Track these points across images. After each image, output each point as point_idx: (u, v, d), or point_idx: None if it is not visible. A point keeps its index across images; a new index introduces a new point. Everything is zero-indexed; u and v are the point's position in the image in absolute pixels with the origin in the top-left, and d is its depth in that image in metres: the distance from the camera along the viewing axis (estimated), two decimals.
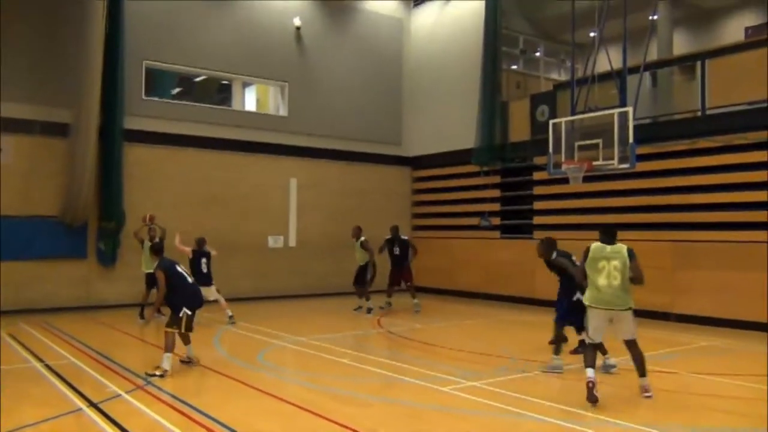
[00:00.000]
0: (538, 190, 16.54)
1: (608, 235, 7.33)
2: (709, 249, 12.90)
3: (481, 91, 17.33)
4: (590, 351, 7.23)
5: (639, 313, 12.20)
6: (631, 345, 7.25)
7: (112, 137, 15.07)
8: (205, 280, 12.19)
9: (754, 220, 12.32)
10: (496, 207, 17.57)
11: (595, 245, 7.31)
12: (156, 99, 16.87)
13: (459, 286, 18.05)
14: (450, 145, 18.69)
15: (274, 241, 17.67)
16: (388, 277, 14.84)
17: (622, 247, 7.21)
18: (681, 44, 19.28)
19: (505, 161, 17.26)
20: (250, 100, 19.60)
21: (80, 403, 6.88)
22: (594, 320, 7.29)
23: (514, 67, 19.35)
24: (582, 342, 9.54)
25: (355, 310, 14.55)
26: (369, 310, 14.13)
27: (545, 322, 10.42)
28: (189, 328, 8.56)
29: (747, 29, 17.82)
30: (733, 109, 13.02)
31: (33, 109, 14.48)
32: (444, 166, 19.24)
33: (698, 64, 13.78)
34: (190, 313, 8.45)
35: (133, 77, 15.79)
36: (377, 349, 10.31)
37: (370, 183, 19.53)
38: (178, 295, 8.48)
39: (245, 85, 18.94)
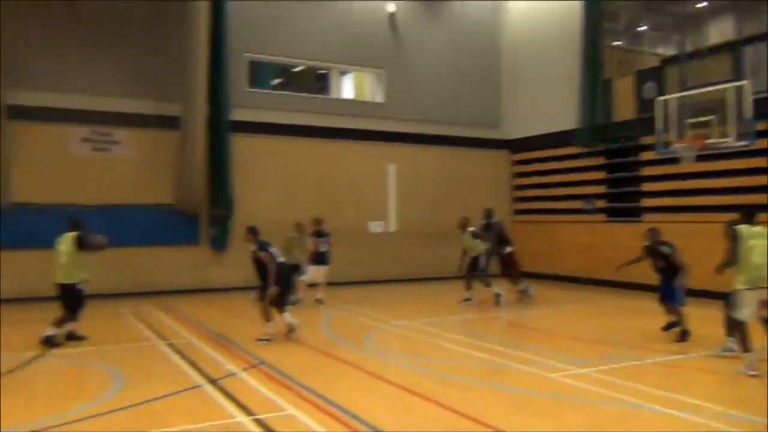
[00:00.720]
0: (645, 171, 15.85)
1: (750, 216, 7.61)
2: None
3: (583, 69, 16.76)
4: (746, 332, 7.35)
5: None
6: None
7: (219, 128, 15.77)
8: (321, 259, 13.04)
9: None
10: (601, 189, 17.01)
11: (743, 227, 7.48)
12: (258, 90, 17.47)
13: (562, 271, 17.64)
14: (551, 126, 18.20)
15: (374, 227, 17.91)
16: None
17: (763, 228, 7.49)
18: None
19: (609, 142, 16.64)
20: (347, 88, 19.90)
21: (200, 379, 7.30)
22: (749, 302, 7.34)
23: (618, 43, 18.57)
24: (674, 322, 9.30)
25: (462, 302, 13.30)
26: (498, 297, 13.02)
27: (653, 308, 10.03)
28: (281, 304, 9.49)
29: None
30: None
31: (146, 104, 15.37)
32: (545, 148, 18.78)
33: None
34: (278, 291, 9.29)
35: (237, 70, 16.43)
36: (482, 334, 10.27)
37: (468, 167, 19.39)
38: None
39: (342, 73, 19.24)
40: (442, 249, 17.86)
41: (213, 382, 7.15)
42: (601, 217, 16.81)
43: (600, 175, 17.01)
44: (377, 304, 13.66)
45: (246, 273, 14.96)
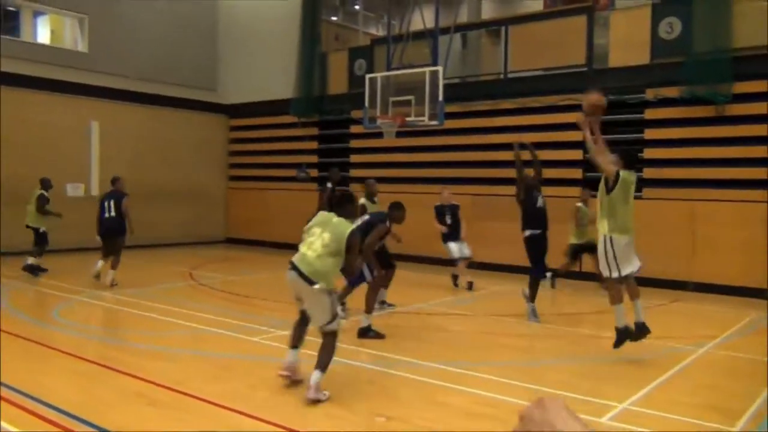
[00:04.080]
0: (354, 144, 16.83)
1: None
2: (504, 202, 13.98)
3: (300, 40, 17.11)
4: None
5: (436, 260, 13.09)
6: None
7: None
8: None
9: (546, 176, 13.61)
10: (314, 159, 17.63)
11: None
12: None
13: (274, 237, 17.96)
14: (269, 94, 18.25)
15: (73, 190, 16.23)
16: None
17: None
18: (489, 9, 20.43)
19: (323, 113, 17.30)
20: (42, 32, 17.62)
21: None
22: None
23: (334, 18, 19.29)
24: None
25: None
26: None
27: None
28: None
29: (546, 0, 19.30)
30: (530, 73, 14.13)
31: None
32: (263, 115, 18.82)
33: (502, 29, 14.71)
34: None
35: None
36: (187, 301, 9.98)
37: (182, 129, 18.57)
38: None
39: (37, 14, 16.96)
40: (146, 215, 16.95)
41: None
42: (313, 185, 17.47)
43: (313, 145, 17.63)
44: (70, 274, 12.45)
45: None
